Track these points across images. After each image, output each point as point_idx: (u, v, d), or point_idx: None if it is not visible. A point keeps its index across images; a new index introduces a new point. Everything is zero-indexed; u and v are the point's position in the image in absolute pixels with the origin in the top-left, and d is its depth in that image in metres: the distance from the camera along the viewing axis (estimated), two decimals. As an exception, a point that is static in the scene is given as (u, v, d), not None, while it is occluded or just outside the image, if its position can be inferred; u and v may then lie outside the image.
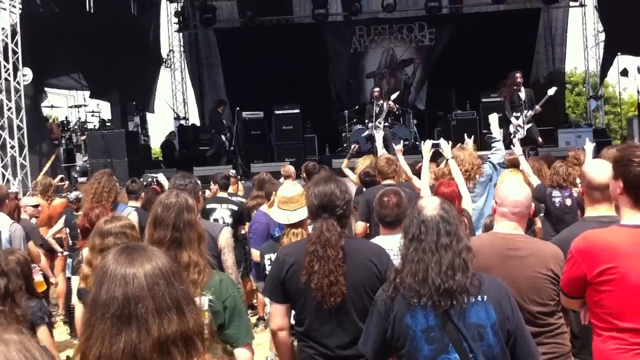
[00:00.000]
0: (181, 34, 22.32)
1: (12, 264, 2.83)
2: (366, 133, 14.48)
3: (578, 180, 6.09)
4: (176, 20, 21.56)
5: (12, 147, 12.90)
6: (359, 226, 6.34)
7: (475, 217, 6.02)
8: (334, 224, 3.39)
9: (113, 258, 1.96)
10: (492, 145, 7.30)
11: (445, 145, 6.34)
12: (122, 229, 4.12)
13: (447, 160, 6.23)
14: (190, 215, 3.36)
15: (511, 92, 12.99)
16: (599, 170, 3.49)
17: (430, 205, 2.89)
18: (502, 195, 3.59)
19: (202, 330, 1.97)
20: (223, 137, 15.84)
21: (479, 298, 2.76)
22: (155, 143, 21.01)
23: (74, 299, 5.14)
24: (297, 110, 16.41)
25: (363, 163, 8.25)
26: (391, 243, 4.10)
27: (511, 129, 12.85)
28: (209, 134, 17.48)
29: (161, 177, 7.58)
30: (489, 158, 7.16)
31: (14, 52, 12.94)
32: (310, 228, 4.70)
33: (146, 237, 3.43)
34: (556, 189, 6.53)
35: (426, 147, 6.55)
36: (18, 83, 13.03)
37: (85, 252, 4.90)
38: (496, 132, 7.25)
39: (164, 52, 22.08)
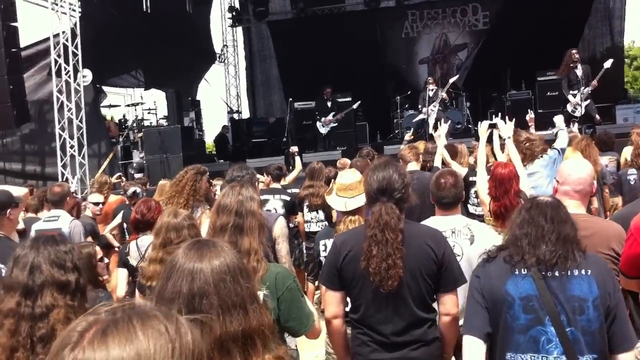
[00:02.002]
0: (234, 28, 22.53)
1: (84, 258, 2.90)
2: (419, 118, 14.42)
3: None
4: (230, 15, 21.76)
5: (72, 147, 13.26)
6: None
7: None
8: (392, 207, 3.35)
9: (183, 252, 1.98)
10: (557, 134, 7.07)
11: (502, 125, 6.21)
12: (191, 220, 4.19)
13: (506, 140, 6.10)
14: (252, 204, 3.41)
15: (568, 69, 12.69)
16: None
17: (542, 196, 3.00)
18: (565, 173, 3.50)
19: (263, 330, 1.96)
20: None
21: (583, 272, 2.75)
22: (209, 137, 21.34)
23: (119, 292, 5.19)
24: (349, 99, 16.37)
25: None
26: (447, 224, 4.11)
27: (569, 107, 12.56)
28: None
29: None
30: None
31: (74, 55, 13.29)
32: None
33: (209, 224, 3.48)
34: (633, 168, 6.38)
35: (482, 127, 6.41)
36: (78, 84, 13.38)
37: (133, 247, 5.00)
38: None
39: (217, 47, 22.33)
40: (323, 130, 15.56)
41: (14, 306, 2.60)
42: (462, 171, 6.29)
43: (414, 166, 6.74)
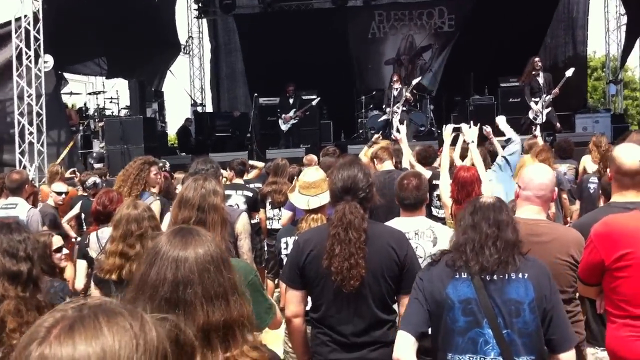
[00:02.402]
0: (200, 20, 22.34)
1: (40, 248, 2.84)
2: (383, 118, 14.50)
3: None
4: (196, 6, 21.56)
5: (31, 134, 13.00)
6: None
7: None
8: (356, 207, 3.36)
9: (167, 239, 1.97)
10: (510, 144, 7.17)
11: (466, 129, 6.29)
12: (150, 212, 4.14)
13: (469, 144, 6.18)
14: (215, 199, 3.39)
15: (530, 77, 12.92)
16: (630, 155, 3.41)
17: (487, 196, 3.11)
18: (527, 178, 3.53)
19: (243, 321, 1.96)
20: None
21: (520, 275, 2.82)
22: (172, 130, 21.10)
23: (78, 284, 5.12)
24: (314, 96, 16.37)
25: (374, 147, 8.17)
26: (410, 226, 4.13)
27: (531, 114, 12.78)
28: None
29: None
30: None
31: (36, 39, 13.03)
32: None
33: (170, 217, 3.44)
34: (595, 176, 6.46)
35: (447, 131, 6.49)
36: (39, 70, 13.11)
37: (93, 238, 4.92)
38: (508, 132, 7.02)
39: (182, 38, 22.11)
40: (284, 127, 15.58)
41: None
42: (427, 174, 6.34)
43: (389, 165, 6.74)
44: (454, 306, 2.83)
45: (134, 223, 4.02)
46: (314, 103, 15.50)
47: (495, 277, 2.80)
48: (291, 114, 15.40)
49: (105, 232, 4.80)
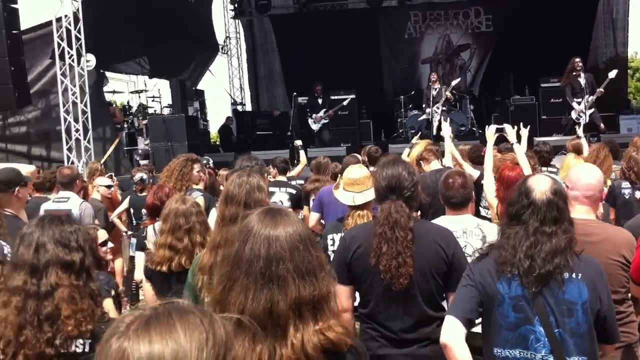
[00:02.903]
0: (237, 20, 22.51)
1: (89, 240, 2.94)
2: (423, 118, 14.47)
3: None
4: (232, 7, 21.71)
5: (77, 131, 13.29)
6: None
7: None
8: (402, 206, 3.37)
9: (258, 218, 2.09)
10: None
11: (510, 130, 6.25)
12: (198, 207, 4.24)
13: (513, 145, 6.14)
14: (260, 194, 3.45)
15: (571, 78, 12.78)
16: None
17: (540, 188, 2.89)
18: (574, 178, 3.52)
19: (330, 297, 2.07)
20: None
21: (573, 275, 2.78)
22: (213, 128, 21.32)
23: (138, 275, 5.25)
24: (352, 96, 16.40)
25: (417, 149, 8.17)
26: (456, 224, 4.12)
27: (573, 114, 12.65)
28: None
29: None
30: None
31: (77, 39, 13.29)
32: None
33: (217, 213, 3.51)
34: (626, 181, 6.35)
35: (490, 132, 6.44)
36: (82, 69, 13.38)
37: (151, 231, 5.04)
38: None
39: (220, 38, 22.29)
40: (314, 127, 15.58)
41: (20, 284, 2.63)
42: (475, 173, 6.31)
43: (437, 164, 6.73)
44: (504, 301, 2.81)
45: (182, 217, 4.14)
46: (345, 103, 15.49)
47: (548, 284, 2.76)
48: (321, 113, 15.41)
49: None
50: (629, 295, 3.40)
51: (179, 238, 4.11)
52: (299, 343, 1.98)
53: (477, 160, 7.34)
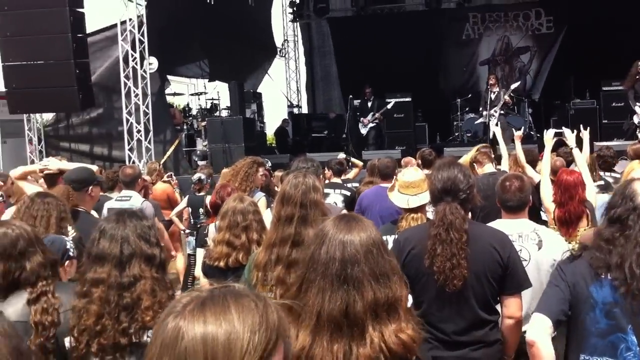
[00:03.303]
0: (295, 23, 22.71)
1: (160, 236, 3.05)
2: (479, 121, 14.33)
3: None
4: (291, 10, 21.93)
5: (139, 132, 13.64)
6: None
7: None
8: (457, 207, 3.38)
9: (333, 223, 2.22)
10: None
11: (569, 134, 6.15)
12: (255, 206, 4.35)
13: (572, 149, 6.05)
14: (316, 195, 3.50)
15: (634, 81, 12.46)
16: None
17: None
18: None
19: (403, 300, 2.15)
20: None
21: None
22: (270, 130, 21.57)
23: (198, 272, 5.39)
24: (408, 99, 16.35)
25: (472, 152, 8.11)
26: (513, 228, 4.08)
27: (635, 119, 12.33)
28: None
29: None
30: None
31: (141, 42, 13.65)
32: (430, 213, 4.75)
33: (274, 213, 3.58)
34: None
35: (548, 136, 6.35)
36: (145, 71, 13.73)
37: (212, 229, 5.16)
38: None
39: (278, 41, 22.53)
40: (363, 131, 15.61)
41: (104, 276, 2.75)
42: (536, 177, 6.24)
43: (490, 167, 6.71)
44: (596, 306, 2.71)
45: (239, 215, 4.25)
46: (389, 106, 15.37)
47: None
48: (369, 117, 15.39)
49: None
50: None
51: (236, 235, 4.22)
52: (379, 341, 2.05)
53: (530, 164, 7.24)
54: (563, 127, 6.58)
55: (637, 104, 12.33)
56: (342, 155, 10.32)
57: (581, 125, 6.66)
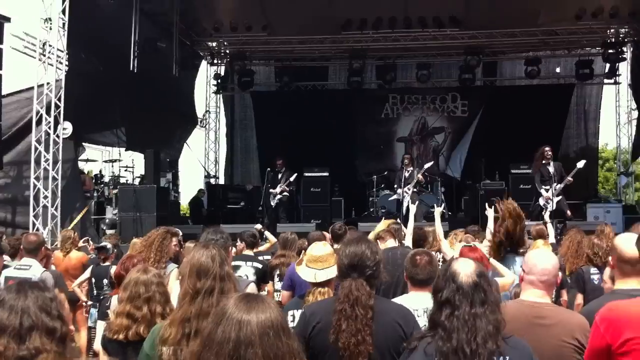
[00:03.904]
0: (218, 95, 22.86)
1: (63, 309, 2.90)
2: (393, 198, 14.61)
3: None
4: (215, 82, 22.09)
5: (45, 197, 13.15)
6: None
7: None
8: (363, 284, 3.40)
9: (234, 302, 2.17)
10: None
11: (437, 212, 6.68)
12: (160, 278, 4.21)
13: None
14: (228, 268, 3.45)
15: (541, 166, 13.08)
16: (631, 244, 3.47)
17: (466, 271, 2.89)
18: (530, 263, 3.59)
19: None
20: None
21: (501, 359, 2.76)
22: (185, 200, 21.30)
23: (97, 345, 5.15)
24: (326, 174, 16.58)
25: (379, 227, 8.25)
26: (420, 302, 4.11)
27: (541, 201, 12.87)
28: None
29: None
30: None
31: (57, 107, 13.34)
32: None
33: (186, 285, 3.45)
34: (594, 267, 6.45)
35: (437, 212, 6.96)
36: (57, 136, 13.38)
37: (114, 301, 4.95)
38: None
39: (199, 112, 22.59)
40: (272, 203, 15.36)
41: (1, 349, 2.57)
42: (450, 253, 6.42)
43: (392, 242, 6.85)
44: None
45: (142, 286, 4.10)
46: (291, 179, 15.27)
47: None
48: (277, 189, 15.39)
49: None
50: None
51: (137, 307, 4.06)
52: None
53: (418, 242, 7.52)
54: (435, 205, 6.98)
55: (543, 187, 12.90)
56: (258, 226, 10.26)
57: (486, 204, 6.92)
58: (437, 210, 7.89)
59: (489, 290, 2.86)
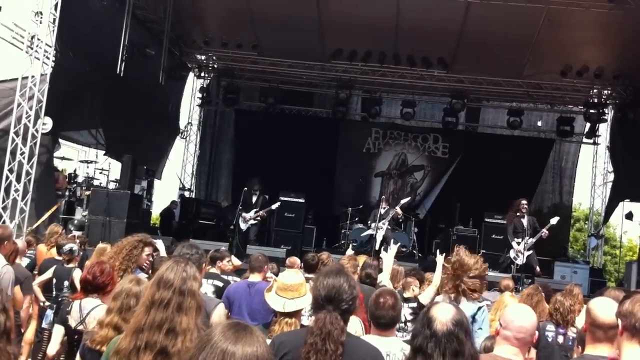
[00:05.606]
0: (202, 108, 22.79)
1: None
2: (366, 233, 14.60)
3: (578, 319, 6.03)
4: (200, 95, 22.03)
5: (17, 191, 12.90)
6: None
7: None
8: (337, 318, 3.34)
9: (221, 329, 2.08)
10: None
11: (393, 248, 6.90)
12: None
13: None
14: (194, 284, 3.35)
15: (515, 218, 13.17)
16: (605, 309, 3.44)
17: (442, 318, 2.80)
18: (508, 318, 3.54)
19: None
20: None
21: None
22: (157, 210, 21.04)
23: (51, 350, 5.00)
24: (302, 200, 16.52)
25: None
26: (381, 346, 3.99)
27: (512, 253, 12.92)
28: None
29: (160, 244, 7.34)
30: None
31: (39, 101, 13.15)
32: (304, 320, 4.64)
33: (147, 295, 3.37)
34: (551, 323, 6.42)
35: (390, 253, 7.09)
36: (37, 130, 13.18)
37: (76, 307, 4.81)
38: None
39: (182, 123, 22.46)
40: (243, 226, 15.10)
41: None
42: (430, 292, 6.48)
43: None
44: None
45: (133, 298, 4.00)
46: (273, 207, 15.11)
47: None
48: (251, 213, 15.08)
49: (89, 302, 4.79)
50: None
51: (126, 319, 3.93)
52: None
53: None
54: (382, 252, 7.06)
55: (515, 239, 12.95)
56: (224, 248, 10.11)
57: (437, 251, 6.98)
58: (394, 247, 7.93)
59: (465, 340, 2.75)
